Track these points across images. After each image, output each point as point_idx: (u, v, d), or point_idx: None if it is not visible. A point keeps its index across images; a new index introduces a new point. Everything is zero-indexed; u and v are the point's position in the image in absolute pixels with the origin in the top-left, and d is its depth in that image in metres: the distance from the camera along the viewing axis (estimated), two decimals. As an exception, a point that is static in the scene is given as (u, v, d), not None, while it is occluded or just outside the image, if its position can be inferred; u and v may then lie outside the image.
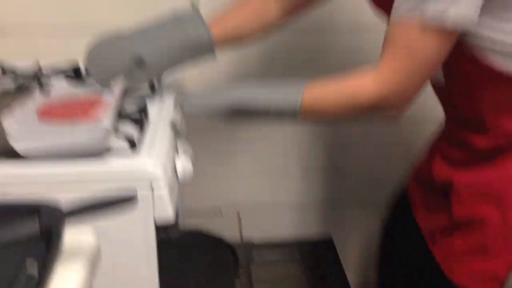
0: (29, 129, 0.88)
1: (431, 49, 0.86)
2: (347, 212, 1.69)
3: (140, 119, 0.96)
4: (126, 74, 1.01)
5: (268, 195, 1.64)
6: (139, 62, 1.00)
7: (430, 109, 1.48)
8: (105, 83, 1.02)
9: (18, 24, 1.36)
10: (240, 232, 1.51)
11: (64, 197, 0.81)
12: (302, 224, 1.69)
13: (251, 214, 1.62)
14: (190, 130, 1.45)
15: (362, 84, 0.89)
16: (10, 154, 0.82)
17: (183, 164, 0.96)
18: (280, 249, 1.64)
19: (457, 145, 1.07)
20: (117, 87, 1.02)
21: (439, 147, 1.13)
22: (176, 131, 1.00)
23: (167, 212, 0.86)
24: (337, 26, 1.40)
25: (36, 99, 1.04)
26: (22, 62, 1.27)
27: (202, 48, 1.05)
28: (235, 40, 1.09)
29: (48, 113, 0.95)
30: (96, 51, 1.03)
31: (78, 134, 0.84)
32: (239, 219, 1.52)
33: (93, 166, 0.84)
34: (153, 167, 0.84)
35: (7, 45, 1.36)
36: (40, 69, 1.26)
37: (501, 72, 0.93)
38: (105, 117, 0.89)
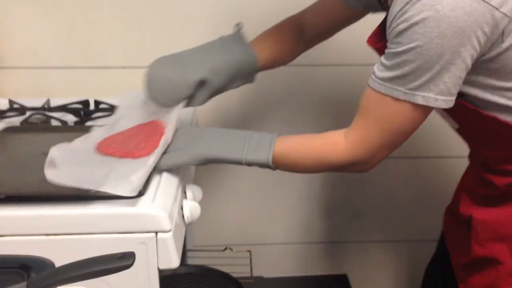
0: (71, 162, 0.88)
1: (403, 121, 0.86)
2: (363, 250, 1.64)
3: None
4: (189, 97, 1.01)
5: (280, 233, 1.60)
6: (201, 84, 1.00)
7: (448, 145, 1.48)
8: (167, 106, 1.01)
9: (28, 59, 1.35)
10: (251, 270, 1.46)
11: (65, 238, 0.80)
12: (316, 263, 1.64)
13: (263, 252, 1.58)
14: (201, 167, 1.44)
15: (332, 147, 0.91)
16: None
17: (191, 207, 0.93)
18: (292, 285, 1.58)
19: (479, 182, 1.05)
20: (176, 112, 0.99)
21: (465, 181, 1.13)
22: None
23: (171, 258, 0.83)
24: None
25: (105, 130, 1.03)
26: (31, 98, 1.27)
27: (249, 72, 1.08)
28: (269, 65, 1.13)
29: (104, 147, 0.95)
30: (158, 77, 1.00)
31: (105, 182, 0.82)
32: (250, 257, 1.47)
33: (97, 212, 0.81)
34: (158, 215, 0.81)
35: (16, 80, 1.35)
36: (48, 104, 1.25)
37: (509, 124, 0.91)
38: (141, 170, 0.86)
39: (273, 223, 1.58)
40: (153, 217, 0.81)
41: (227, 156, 0.92)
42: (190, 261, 1.49)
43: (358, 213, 1.59)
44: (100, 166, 0.88)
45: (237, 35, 1.07)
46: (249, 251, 1.47)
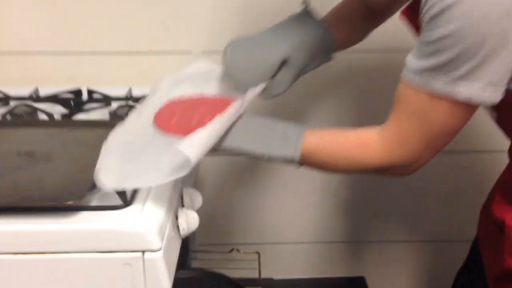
0: (130, 151, 0.78)
1: (443, 120, 0.76)
2: (382, 250, 1.55)
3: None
4: (271, 78, 0.94)
5: (292, 232, 1.50)
6: (284, 64, 0.93)
7: (482, 139, 1.37)
8: (246, 87, 0.92)
9: (16, 44, 1.24)
10: (259, 274, 1.36)
11: (35, 257, 0.70)
12: (331, 264, 1.55)
13: (273, 252, 1.49)
14: (209, 166, 1.37)
15: (366, 148, 0.82)
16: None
17: (187, 217, 0.82)
18: None
19: None
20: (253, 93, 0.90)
21: (503, 178, 1.02)
22: None
23: (161, 281, 0.72)
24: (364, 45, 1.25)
25: (163, 94, 0.92)
26: (18, 86, 1.16)
27: (326, 49, 1.00)
28: (345, 42, 1.04)
29: (164, 123, 0.84)
30: (238, 56, 0.93)
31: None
32: (259, 260, 1.37)
33: (73, 227, 0.70)
34: (144, 232, 0.70)
35: (3, 67, 1.25)
36: (37, 93, 1.14)
37: None
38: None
39: (284, 221, 1.49)
40: (138, 234, 0.69)
41: (246, 149, 0.82)
42: (193, 263, 1.40)
43: (378, 211, 1.50)
44: (162, 152, 0.77)
45: (307, 12, 0.99)
46: (258, 252, 1.39)
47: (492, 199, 1.01)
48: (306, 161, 0.83)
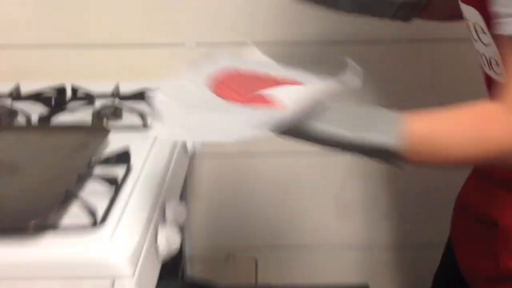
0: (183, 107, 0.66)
1: None
2: (388, 255, 1.49)
3: (113, 177, 0.74)
4: None
5: (292, 238, 1.45)
6: None
7: None
8: None
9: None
10: (256, 280, 1.31)
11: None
12: (333, 270, 1.50)
13: (272, 256, 1.44)
14: (203, 167, 1.33)
15: (499, 122, 0.65)
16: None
17: (168, 236, 0.74)
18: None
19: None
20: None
21: (479, 169, 0.91)
22: None
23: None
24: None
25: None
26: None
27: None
28: (434, 13, 0.95)
29: (220, 88, 0.71)
30: None
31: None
32: (256, 268, 1.33)
33: (34, 252, 0.62)
34: (115, 258, 0.62)
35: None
36: (18, 89, 1.08)
37: None
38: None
39: (284, 224, 1.44)
40: (107, 261, 0.62)
41: (337, 134, 0.64)
42: (188, 269, 1.34)
43: (385, 213, 1.44)
44: (223, 113, 0.65)
45: None
46: (255, 259, 1.34)
47: (468, 193, 0.91)
48: (415, 150, 0.65)
